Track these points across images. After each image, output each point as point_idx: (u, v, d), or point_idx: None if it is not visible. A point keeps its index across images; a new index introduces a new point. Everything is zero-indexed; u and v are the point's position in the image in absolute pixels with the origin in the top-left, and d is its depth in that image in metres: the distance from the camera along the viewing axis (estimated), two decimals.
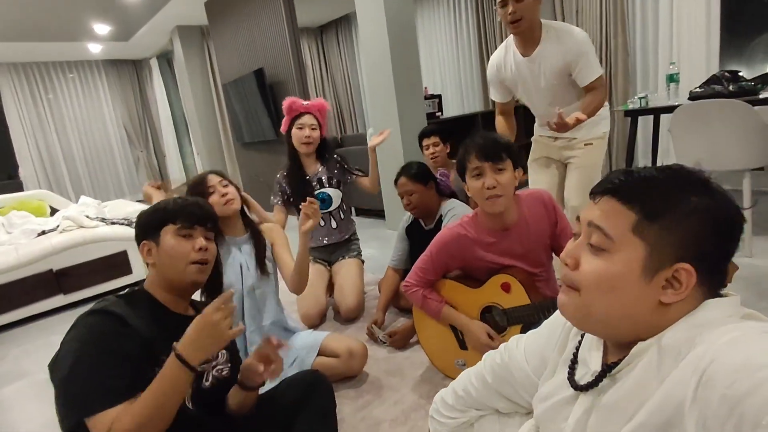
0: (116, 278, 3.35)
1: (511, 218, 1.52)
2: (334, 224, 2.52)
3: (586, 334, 0.76)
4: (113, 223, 3.50)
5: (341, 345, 1.77)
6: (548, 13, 4.75)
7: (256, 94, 4.98)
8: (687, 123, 2.59)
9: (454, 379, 1.66)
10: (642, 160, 4.37)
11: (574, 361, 0.75)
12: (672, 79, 3.13)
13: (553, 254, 1.64)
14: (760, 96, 2.62)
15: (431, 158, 2.75)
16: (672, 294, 0.58)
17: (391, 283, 2.28)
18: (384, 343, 2.04)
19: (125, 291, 1.11)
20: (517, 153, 1.47)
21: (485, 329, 1.54)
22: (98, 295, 3.28)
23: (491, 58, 2.17)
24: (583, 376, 0.71)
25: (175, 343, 0.94)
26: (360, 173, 2.54)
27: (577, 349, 0.76)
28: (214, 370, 1.16)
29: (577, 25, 4.59)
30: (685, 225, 0.57)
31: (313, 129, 2.37)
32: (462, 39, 5.94)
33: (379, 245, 3.65)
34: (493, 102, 2.32)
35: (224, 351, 1.20)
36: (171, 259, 1.10)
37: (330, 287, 2.53)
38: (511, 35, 2.01)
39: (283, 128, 2.45)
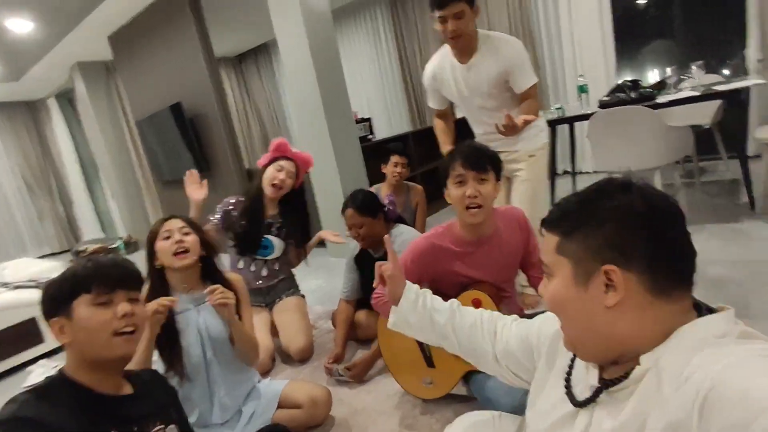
0: (26, 350, 2.93)
1: (487, 230, 1.52)
2: (264, 272, 2.39)
3: None
4: (17, 287, 3.07)
5: (302, 394, 1.64)
6: None
7: (174, 130, 4.69)
8: (602, 129, 2.80)
9: (424, 401, 1.64)
10: (561, 165, 4.68)
11: (569, 376, 0.76)
12: (582, 89, 3.39)
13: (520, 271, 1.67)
14: (658, 100, 2.91)
15: (396, 176, 2.74)
16: (612, 296, 0.61)
17: (345, 316, 2.19)
18: (343, 377, 1.93)
19: (38, 383, 0.93)
20: (500, 165, 1.48)
21: None
22: (6, 372, 2.85)
23: (427, 66, 2.20)
24: (581, 391, 0.72)
25: None
26: (295, 245, 2.44)
27: (572, 363, 0.77)
28: None
29: None
30: (602, 231, 0.62)
31: (289, 177, 2.28)
32: (383, 61, 6.07)
33: (325, 274, 3.54)
34: (427, 111, 2.38)
35: (173, 426, 1.04)
36: (89, 334, 0.94)
37: (273, 328, 2.37)
38: (446, 44, 2.05)
39: (261, 162, 2.35)
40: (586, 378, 0.72)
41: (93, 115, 6.16)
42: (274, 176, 2.25)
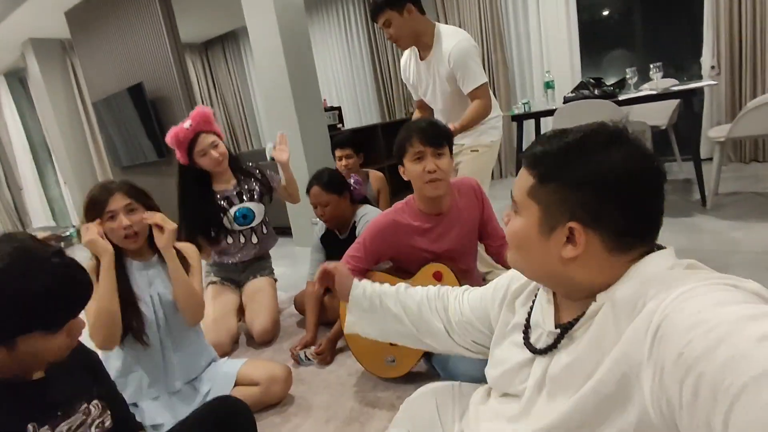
0: None
1: (446, 203, 1.54)
2: (255, 240, 2.31)
3: (537, 299, 0.78)
4: None
5: (260, 372, 1.59)
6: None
7: (132, 112, 4.50)
8: (567, 122, 2.86)
9: (385, 379, 1.62)
10: None
11: (527, 326, 0.77)
12: (549, 85, 3.47)
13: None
14: (620, 98, 3.02)
15: (343, 169, 2.72)
16: (571, 250, 0.62)
17: (315, 299, 2.14)
18: (310, 362, 1.89)
19: None
20: (452, 139, 1.51)
21: None
22: None
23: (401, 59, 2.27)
24: (538, 338, 0.73)
25: None
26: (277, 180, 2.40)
27: (529, 314, 0.78)
28: (94, 427, 0.93)
29: None
30: (577, 190, 0.60)
31: (214, 147, 2.13)
32: (354, 51, 6.03)
33: (289, 263, 3.47)
34: (397, 104, 2.40)
35: (96, 402, 0.96)
36: (36, 357, 0.83)
37: (240, 311, 2.30)
38: None
39: (182, 160, 2.17)
40: (543, 324, 0.72)
41: (46, 95, 5.82)
42: (209, 160, 2.12)
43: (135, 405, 1.42)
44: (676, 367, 0.47)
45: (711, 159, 2.95)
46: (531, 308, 0.79)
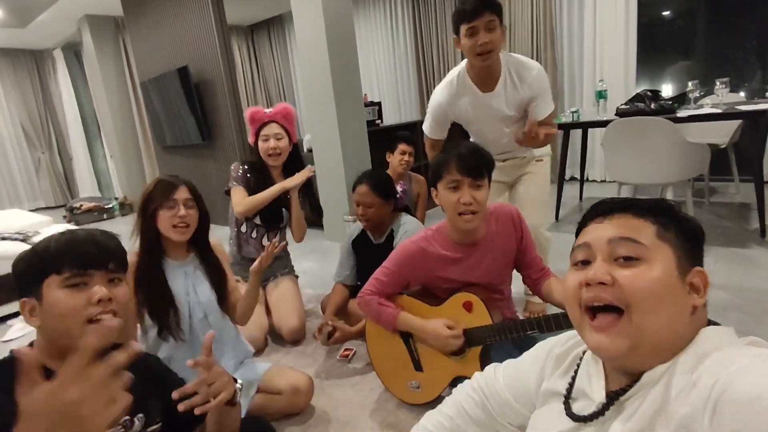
0: (9, 303, 2.87)
1: (479, 233, 1.47)
2: (266, 241, 2.31)
3: (582, 365, 0.73)
4: (3, 238, 3.00)
5: (284, 380, 1.59)
6: None
7: (179, 94, 4.59)
8: (617, 137, 2.71)
9: (408, 403, 1.58)
10: (569, 170, 4.59)
11: (569, 394, 0.73)
12: (601, 95, 3.29)
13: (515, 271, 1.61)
14: (678, 114, 2.82)
15: (403, 165, 2.70)
16: (697, 298, 0.61)
17: (339, 297, 2.12)
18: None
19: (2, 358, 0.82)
20: (492, 167, 1.43)
21: (443, 322, 1.44)
22: None
23: (436, 94, 1.98)
24: (583, 407, 0.69)
25: None
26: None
27: (571, 383, 0.74)
28: None
29: (510, 40, 4.77)
30: (690, 235, 0.64)
31: (278, 139, 2.17)
32: (399, 47, 5.94)
33: (318, 258, 3.47)
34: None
35: (141, 416, 0.94)
36: (60, 320, 0.82)
37: (266, 308, 2.32)
38: (459, 69, 1.90)
39: (251, 139, 2.26)
40: (591, 393, 0.68)
41: (98, 71, 6.03)
42: (265, 148, 2.17)
43: None
44: None
45: None
46: (574, 376, 0.74)
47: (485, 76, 1.84)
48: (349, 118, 3.55)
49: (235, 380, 0.98)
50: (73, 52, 7.25)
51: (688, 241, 0.63)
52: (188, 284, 1.50)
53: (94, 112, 6.97)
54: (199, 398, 0.86)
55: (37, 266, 0.84)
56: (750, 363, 0.50)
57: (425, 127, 2.11)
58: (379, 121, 4.44)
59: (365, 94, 4.37)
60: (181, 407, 0.83)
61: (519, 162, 2.08)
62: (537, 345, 0.86)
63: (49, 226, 3.57)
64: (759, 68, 3.96)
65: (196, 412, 0.85)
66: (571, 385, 0.74)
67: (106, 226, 6.17)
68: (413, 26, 5.67)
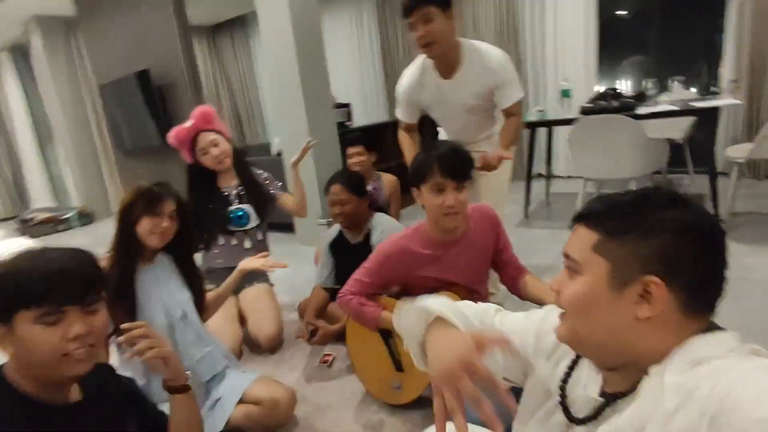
0: None
1: (460, 231, 1.48)
2: (248, 244, 2.27)
3: (579, 362, 0.74)
4: None
5: (264, 392, 1.55)
6: None
7: (140, 98, 4.42)
8: (584, 135, 2.81)
9: (390, 404, 1.58)
10: (535, 167, 4.70)
11: (563, 390, 0.72)
12: (566, 94, 3.39)
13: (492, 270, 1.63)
14: (637, 111, 2.94)
15: (359, 167, 2.67)
16: (647, 309, 0.58)
17: (319, 300, 2.10)
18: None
19: None
20: (473, 168, 1.43)
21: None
22: None
23: (403, 78, 2.01)
24: (577, 404, 0.69)
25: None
26: (281, 191, 2.33)
27: (565, 377, 0.74)
28: None
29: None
30: (655, 240, 0.59)
31: (215, 145, 2.14)
32: (365, 48, 5.92)
33: (292, 263, 3.38)
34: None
35: None
36: (34, 353, 0.77)
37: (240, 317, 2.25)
38: (424, 57, 1.89)
39: (188, 159, 2.21)
40: (585, 390, 0.68)
41: (49, 74, 5.73)
42: (211, 159, 2.14)
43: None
44: None
45: (725, 173, 2.89)
46: (569, 371, 0.74)
47: (443, 64, 1.85)
48: (319, 120, 3.51)
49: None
50: (20, 54, 6.87)
51: (652, 247, 0.59)
52: (160, 286, 1.49)
53: (45, 116, 6.62)
54: (141, 345, 0.94)
55: (5, 297, 0.76)
56: (748, 373, 0.50)
57: (397, 112, 2.12)
58: (349, 123, 4.42)
59: (334, 96, 4.34)
60: (120, 339, 0.94)
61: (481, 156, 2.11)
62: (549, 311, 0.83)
63: (2, 241, 3.36)
64: (708, 66, 4.18)
65: (126, 356, 1.00)
66: (565, 381, 0.74)
67: (65, 238, 5.82)
68: (378, 28, 5.67)
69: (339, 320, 2.11)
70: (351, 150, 2.71)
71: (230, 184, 2.24)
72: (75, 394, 0.86)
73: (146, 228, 1.40)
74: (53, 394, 0.82)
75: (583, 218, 0.66)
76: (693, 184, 3.83)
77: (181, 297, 1.51)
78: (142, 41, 4.36)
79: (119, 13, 4.47)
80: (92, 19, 4.81)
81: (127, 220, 1.40)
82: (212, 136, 2.14)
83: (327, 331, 1.88)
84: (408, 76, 1.98)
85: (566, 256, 0.67)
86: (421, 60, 1.93)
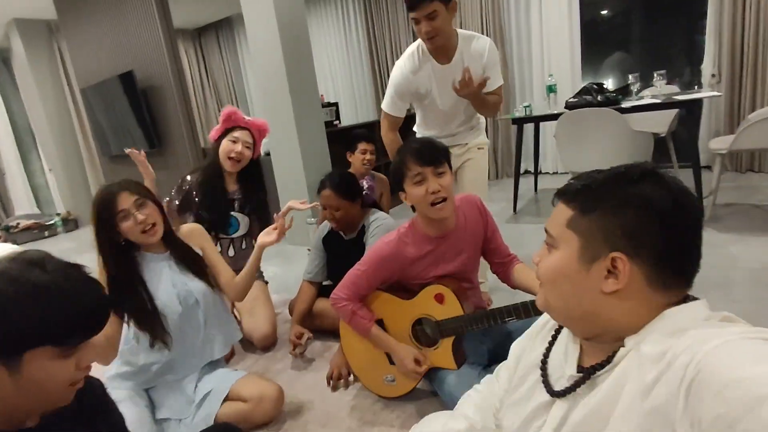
0: None
1: (451, 223, 1.49)
2: (231, 252, 2.26)
3: (560, 338, 0.76)
4: None
5: (250, 389, 1.53)
6: None
7: (124, 101, 4.36)
8: (569, 129, 2.83)
9: (384, 397, 1.57)
10: (523, 164, 4.75)
11: (544, 364, 0.75)
12: (551, 89, 3.43)
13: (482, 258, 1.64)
14: (622, 105, 2.99)
15: (365, 164, 2.65)
16: (613, 283, 0.60)
17: (307, 297, 2.08)
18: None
19: None
20: (449, 155, 1.45)
21: (413, 354, 1.48)
22: None
23: (399, 67, 2.03)
24: (557, 380, 0.71)
25: None
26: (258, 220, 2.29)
27: (547, 352, 0.76)
28: None
29: None
30: (620, 216, 0.60)
31: (246, 147, 2.15)
32: (352, 47, 5.92)
33: (281, 262, 3.40)
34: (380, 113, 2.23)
35: None
36: (40, 387, 0.71)
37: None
38: (419, 43, 1.97)
39: (213, 135, 2.19)
40: (564, 366, 0.70)
41: (32, 78, 5.64)
42: (230, 149, 2.12)
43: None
44: (715, 426, 0.45)
45: (709, 167, 2.94)
46: (549, 346, 0.77)
47: (441, 51, 1.94)
48: (306, 119, 3.50)
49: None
50: (1, 58, 6.74)
51: (617, 223, 0.60)
52: (173, 274, 1.50)
53: (28, 122, 6.50)
54: None
55: (19, 333, 0.67)
56: (724, 342, 0.50)
57: (385, 105, 2.12)
58: (337, 122, 4.41)
59: (321, 95, 4.34)
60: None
61: (463, 149, 2.16)
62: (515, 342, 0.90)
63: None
64: (689, 62, 4.26)
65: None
66: (546, 356, 0.76)
67: (49, 243, 5.73)
68: (366, 26, 5.67)
69: (326, 318, 2.10)
70: (365, 146, 2.64)
71: (230, 189, 2.23)
72: (34, 418, 0.79)
73: (130, 231, 1.39)
74: (13, 426, 0.75)
75: (561, 195, 0.69)
76: (677, 177, 3.89)
77: (192, 285, 1.52)
78: (126, 44, 4.32)
79: (102, 16, 4.42)
80: (74, 22, 4.75)
81: (101, 233, 1.38)
82: (249, 140, 2.16)
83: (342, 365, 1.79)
84: (402, 65, 2.02)
85: (546, 231, 0.70)
86: (414, 47, 1.99)
